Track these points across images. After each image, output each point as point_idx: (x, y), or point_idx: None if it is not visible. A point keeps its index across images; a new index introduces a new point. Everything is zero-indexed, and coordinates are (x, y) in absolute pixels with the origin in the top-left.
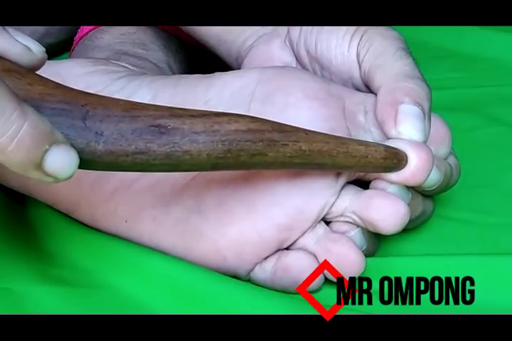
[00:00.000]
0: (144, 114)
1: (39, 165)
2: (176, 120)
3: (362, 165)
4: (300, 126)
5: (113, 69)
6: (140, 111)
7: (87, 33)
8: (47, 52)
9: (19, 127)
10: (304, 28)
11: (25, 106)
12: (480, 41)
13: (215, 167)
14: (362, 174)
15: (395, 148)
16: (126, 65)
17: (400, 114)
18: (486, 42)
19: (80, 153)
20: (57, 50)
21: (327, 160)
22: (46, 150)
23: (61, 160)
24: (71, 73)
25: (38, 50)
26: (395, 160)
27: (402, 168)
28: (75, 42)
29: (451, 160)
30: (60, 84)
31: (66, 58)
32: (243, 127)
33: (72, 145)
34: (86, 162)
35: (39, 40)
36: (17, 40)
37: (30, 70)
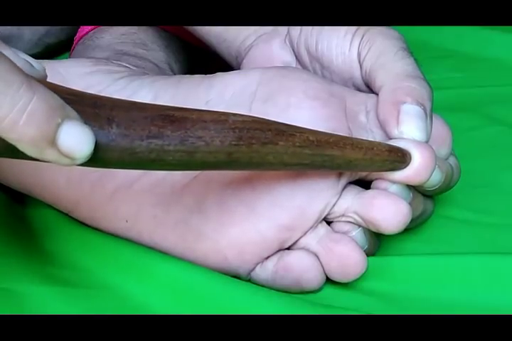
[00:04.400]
0: (151, 106)
1: (53, 141)
2: (183, 111)
3: (369, 159)
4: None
5: (114, 69)
6: (146, 104)
7: (87, 33)
8: (47, 51)
9: (28, 100)
10: (305, 27)
11: (33, 80)
12: (480, 41)
13: (230, 157)
14: (364, 174)
15: (397, 146)
16: (127, 65)
17: (402, 114)
18: (486, 42)
19: (95, 136)
20: (57, 50)
21: (336, 151)
22: (59, 124)
23: (76, 136)
24: (72, 73)
25: (39, 67)
26: (400, 153)
27: (407, 164)
28: (75, 42)
29: (452, 160)
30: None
31: (66, 58)
32: (249, 119)
33: None
34: (101, 148)
35: (39, 40)
36: (19, 56)
37: None
